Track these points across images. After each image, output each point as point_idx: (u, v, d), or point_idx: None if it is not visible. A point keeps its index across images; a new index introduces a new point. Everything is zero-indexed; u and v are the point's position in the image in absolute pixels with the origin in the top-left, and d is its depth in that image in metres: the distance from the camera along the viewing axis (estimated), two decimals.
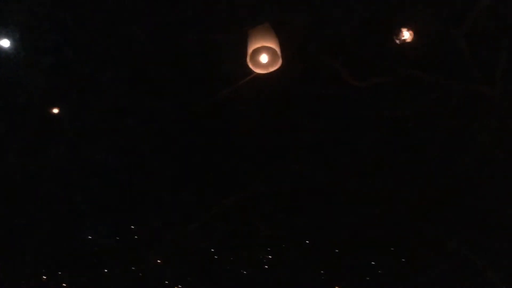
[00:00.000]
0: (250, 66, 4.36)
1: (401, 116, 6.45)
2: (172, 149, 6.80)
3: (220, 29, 5.33)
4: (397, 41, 5.31)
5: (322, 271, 7.84)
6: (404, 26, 5.29)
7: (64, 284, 7.08)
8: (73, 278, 7.08)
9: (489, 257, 7.03)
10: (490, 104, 6.47)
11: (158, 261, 6.90)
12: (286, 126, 6.71)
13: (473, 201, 7.21)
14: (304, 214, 7.39)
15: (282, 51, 4.39)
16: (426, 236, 7.52)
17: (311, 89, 6.33)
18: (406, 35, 5.28)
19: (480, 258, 7.07)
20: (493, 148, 6.85)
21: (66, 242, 6.86)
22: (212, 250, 7.35)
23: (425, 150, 7.00)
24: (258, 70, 4.46)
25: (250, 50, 4.25)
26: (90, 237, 6.78)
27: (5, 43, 5.03)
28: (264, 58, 4.37)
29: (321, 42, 5.88)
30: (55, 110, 6.05)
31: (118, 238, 6.97)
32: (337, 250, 7.56)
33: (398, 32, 5.28)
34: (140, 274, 6.97)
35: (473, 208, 7.23)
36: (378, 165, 6.96)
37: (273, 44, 4.29)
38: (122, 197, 6.83)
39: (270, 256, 7.73)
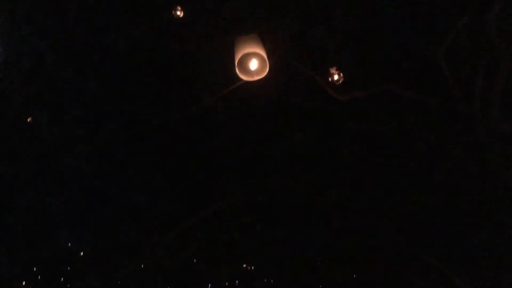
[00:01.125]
0: (238, 72, 4.42)
1: (380, 130, 6.59)
2: (152, 157, 6.81)
3: (206, 37, 5.41)
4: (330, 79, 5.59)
5: (300, 282, 7.89)
6: (332, 67, 5.57)
7: None
8: (49, 286, 6.99)
9: (467, 273, 7.17)
10: (468, 121, 6.67)
11: (136, 269, 6.87)
12: (267, 136, 6.78)
13: (450, 215, 7.37)
14: (283, 226, 7.43)
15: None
16: (404, 249, 7.65)
17: (293, 100, 6.44)
18: (336, 77, 5.56)
19: (457, 274, 7.21)
20: (469, 165, 7.05)
21: (42, 250, 6.78)
22: (190, 259, 7.35)
23: (403, 164, 7.15)
24: (245, 77, 4.52)
25: (238, 56, 4.31)
26: (66, 244, 6.70)
27: None
28: (253, 64, 4.43)
29: (304, 54, 6.01)
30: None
31: (94, 246, 6.90)
32: (316, 262, 7.63)
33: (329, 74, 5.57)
34: (118, 282, 6.92)
35: (450, 222, 7.39)
36: (357, 178, 7.08)
37: (261, 51, 4.36)
38: (99, 204, 6.78)
39: (249, 267, 7.76)
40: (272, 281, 8.00)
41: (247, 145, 6.75)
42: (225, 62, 5.75)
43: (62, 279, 6.94)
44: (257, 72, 4.52)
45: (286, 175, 7.05)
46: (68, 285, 7.06)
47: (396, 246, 7.56)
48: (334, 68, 5.56)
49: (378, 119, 6.70)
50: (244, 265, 7.74)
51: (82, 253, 6.88)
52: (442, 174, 7.15)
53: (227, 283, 7.82)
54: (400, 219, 7.38)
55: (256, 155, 6.85)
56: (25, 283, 7.00)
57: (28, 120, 5.90)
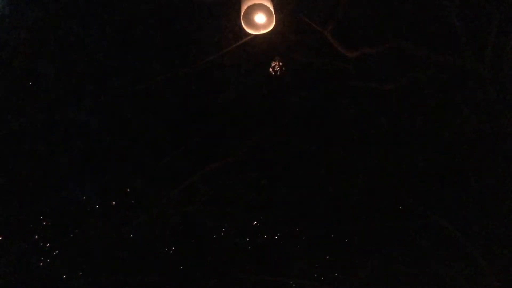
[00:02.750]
0: (243, 25, 4.40)
1: (389, 88, 6.63)
2: (158, 112, 6.91)
3: None
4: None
5: (304, 238, 8.13)
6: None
7: (48, 244, 7.28)
8: (55, 238, 7.27)
9: (471, 234, 7.35)
10: (478, 79, 6.70)
11: (142, 222, 7.13)
12: (273, 93, 6.85)
13: (457, 175, 7.49)
14: (288, 182, 7.60)
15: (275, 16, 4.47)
16: (408, 208, 7.82)
17: (300, 57, 6.47)
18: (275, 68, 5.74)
19: (462, 233, 7.39)
20: (478, 123, 7.12)
21: (48, 202, 7.02)
22: (196, 214, 7.58)
23: (411, 122, 7.22)
24: (251, 31, 4.49)
25: (244, 7, 4.27)
26: (73, 197, 6.93)
27: None
28: (260, 17, 4.39)
29: (313, 10, 5.99)
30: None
31: (101, 199, 7.13)
32: (320, 219, 7.83)
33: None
34: (124, 236, 7.19)
35: (458, 182, 7.52)
36: (363, 136, 7.17)
37: (268, 4, 4.32)
38: (105, 159, 6.96)
39: (254, 222, 7.98)
40: (276, 236, 8.24)
41: (253, 101, 6.84)
42: (231, 15, 5.78)
43: (70, 231, 7.23)
44: (263, 25, 4.48)
45: (292, 132, 7.16)
46: (76, 237, 7.36)
47: (401, 203, 7.75)
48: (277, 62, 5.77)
49: (387, 76, 6.74)
50: (249, 220, 7.96)
51: (89, 206, 7.11)
52: (450, 133, 7.25)
53: (231, 238, 8.08)
54: (407, 177, 7.53)
55: (261, 112, 6.94)
56: (34, 235, 7.30)
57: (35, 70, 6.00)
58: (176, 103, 6.78)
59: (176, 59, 6.41)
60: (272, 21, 4.41)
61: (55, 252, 7.40)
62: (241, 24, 4.38)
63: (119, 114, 6.68)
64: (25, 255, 7.28)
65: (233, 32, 6.01)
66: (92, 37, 6.08)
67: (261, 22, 4.44)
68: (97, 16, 5.82)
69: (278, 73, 6.12)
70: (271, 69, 6.14)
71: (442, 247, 7.56)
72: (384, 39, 6.19)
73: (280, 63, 6.11)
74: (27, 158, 6.60)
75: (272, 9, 4.37)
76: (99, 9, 5.92)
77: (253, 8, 4.39)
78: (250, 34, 5.03)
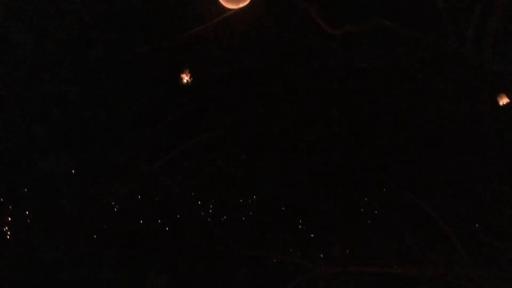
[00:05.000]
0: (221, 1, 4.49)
1: (371, 67, 6.83)
2: (138, 85, 7.00)
3: None
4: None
5: (283, 213, 8.39)
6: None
7: (26, 212, 7.39)
8: (32, 209, 7.37)
9: (445, 212, 7.70)
10: (461, 60, 6.93)
11: (122, 195, 7.28)
12: (256, 69, 6.98)
13: (438, 154, 7.80)
14: (269, 158, 7.81)
15: None
16: (387, 186, 8.13)
17: (284, 32, 6.59)
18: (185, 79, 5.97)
19: (437, 211, 7.73)
20: (458, 101, 7.39)
21: (26, 173, 7.10)
22: (176, 188, 7.75)
23: (393, 101, 7.46)
24: (229, 5, 4.58)
25: None
26: (52, 168, 7.00)
27: None
28: None
29: None
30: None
31: (79, 171, 7.24)
32: (299, 194, 8.09)
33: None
34: (101, 208, 7.33)
35: (438, 161, 7.83)
36: (346, 114, 7.39)
37: None
38: (85, 131, 7.05)
39: (234, 197, 8.19)
40: (256, 211, 8.49)
41: (236, 77, 6.97)
42: None
43: (47, 202, 7.34)
44: None
45: (275, 108, 7.33)
46: (53, 209, 7.47)
47: (381, 182, 8.05)
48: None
49: (370, 55, 6.92)
50: (229, 195, 8.18)
51: (68, 178, 7.21)
52: (431, 112, 7.52)
53: (211, 211, 8.30)
54: (387, 155, 7.81)
55: (245, 87, 7.08)
56: (12, 207, 7.39)
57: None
58: (158, 77, 6.88)
59: (159, 32, 6.47)
60: None
61: (31, 223, 7.53)
62: None
63: (100, 86, 6.75)
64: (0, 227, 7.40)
65: (217, 5, 6.09)
66: (72, 6, 6.09)
67: None
68: None
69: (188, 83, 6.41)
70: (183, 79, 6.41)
71: (416, 224, 7.93)
72: (368, 17, 6.35)
73: (189, 75, 6.39)
74: (4, 129, 6.65)
75: None
76: None
77: None
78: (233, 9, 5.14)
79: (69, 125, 6.88)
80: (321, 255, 8.49)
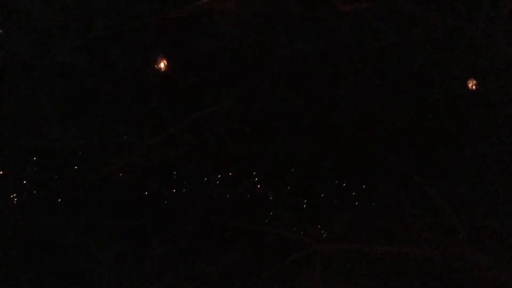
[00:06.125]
0: None
1: (381, 46, 6.79)
2: (144, 56, 6.98)
3: None
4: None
5: (286, 189, 8.45)
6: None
7: (25, 182, 7.47)
8: (36, 178, 7.45)
9: (448, 194, 7.77)
10: (470, 40, 6.90)
11: (125, 167, 7.34)
12: (263, 43, 6.95)
13: (442, 135, 7.82)
14: (273, 133, 7.83)
15: None
16: (392, 167, 8.18)
17: (292, 8, 6.55)
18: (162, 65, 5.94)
19: (439, 193, 7.80)
20: (467, 86, 7.38)
21: (29, 141, 7.14)
22: (178, 161, 7.81)
23: (401, 81, 7.44)
24: None
25: None
26: (55, 138, 7.04)
27: None
28: None
29: None
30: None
31: (83, 140, 7.27)
32: (302, 170, 8.15)
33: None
34: (105, 178, 7.40)
35: (442, 142, 7.86)
36: (353, 92, 7.38)
37: None
38: (89, 101, 7.06)
39: (236, 172, 8.23)
40: (259, 185, 8.55)
41: (242, 51, 6.94)
42: None
43: (51, 172, 7.41)
44: None
45: (280, 84, 7.32)
46: (56, 179, 7.56)
47: (384, 162, 8.09)
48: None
49: (381, 34, 6.89)
50: (231, 170, 8.23)
51: (71, 148, 7.26)
52: (439, 93, 7.52)
53: (215, 186, 8.37)
54: (391, 136, 7.84)
55: (251, 61, 7.06)
56: (14, 177, 7.46)
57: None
58: (163, 48, 6.86)
59: (166, 2, 6.43)
60: None
61: (35, 191, 7.62)
62: None
63: (105, 55, 6.74)
64: (4, 194, 7.49)
65: None
66: None
67: None
68: None
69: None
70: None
71: (417, 204, 8.01)
72: None
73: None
74: (8, 96, 6.68)
75: None
76: None
77: None
78: None
79: (74, 95, 6.88)
80: (323, 234, 8.59)
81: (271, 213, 8.48)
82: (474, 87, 7.04)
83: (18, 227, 7.77)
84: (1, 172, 7.37)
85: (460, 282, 7.61)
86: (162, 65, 6.77)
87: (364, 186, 8.37)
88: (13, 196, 7.55)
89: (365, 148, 7.89)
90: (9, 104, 6.74)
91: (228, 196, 8.35)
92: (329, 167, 8.18)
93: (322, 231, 8.68)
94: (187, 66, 7.02)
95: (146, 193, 7.98)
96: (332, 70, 7.12)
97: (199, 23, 6.62)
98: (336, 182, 8.15)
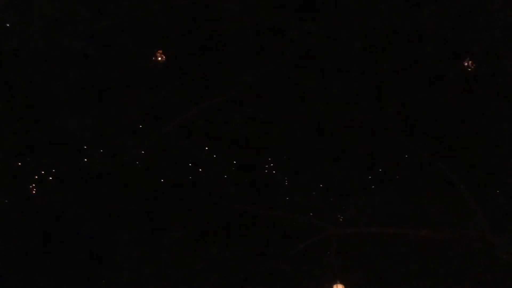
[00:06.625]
0: None
1: (394, 25, 6.70)
2: (155, 43, 6.98)
3: None
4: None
5: (298, 173, 8.45)
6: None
7: (42, 172, 7.59)
8: (52, 167, 7.56)
9: (464, 175, 7.70)
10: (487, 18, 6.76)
11: (139, 153, 7.41)
12: (273, 26, 6.88)
13: (459, 116, 7.74)
14: (285, 118, 7.81)
15: None
16: (406, 149, 8.12)
17: None
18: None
19: (455, 174, 7.73)
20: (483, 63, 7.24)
21: (44, 130, 7.22)
22: (192, 147, 7.84)
23: (415, 60, 7.32)
24: None
25: None
26: (70, 125, 7.10)
27: None
28: None
29: None
30: None
31: (98, 128, 7.33)
32: (314, 154, 8.13)
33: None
34: (120, 163, 7.47)
35: (459, 124, 7.79)
36: (366, 72, 7.30)
37: None
38: (102, 88, 7.10)
39: (249, 157, 8.24)
40: (272, 172, 8.58)
41: (254, 35, 6.89)
42: None
43: (68, 162, 7.52)
44: None
45: (292, 68, 7.26)
46: (73, 166, 7.66)
47: (399, 144, 8.03)
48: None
49: (394, 12, 6.77)
50: (244, 155, 8.23)
51: (87, 138, 7.33)
52: (454, 73, 7.40)
53: (230, 172, 8.42)
54: (406, 117, 7.77)
55: (261, 46, 7.01)
56: (28, 162, 7.58)
57: None
58: (174, 36, 6.85)
59: None
60: None
61: (51, 179, 7.74)
62: None
63: (116, 43, 6.75)
64: (22, 183, 7.62)
65: None
66: None
67: None
68: None
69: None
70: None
71: (434, 187, 7.96)
72: None
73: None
74: (23, 85, 6.75)
75: None
76: None
77: None
78: None
79: (87, 83, 6.93)
80: (340, 218, 8.61)
81: (287, 198, 8.54)
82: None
83: (37, 217, 7.94)
84: (20, 164, 7.51)
85: (479, 264, 7.60)
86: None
87: (380, 170, 8.34)
88: (32, 186, 7.70)
89: (381, 131, 7.84)
90: (23, 95, 6.81)
91: (241, 181, 8.40)
92: (345, 151, 8.14)
93: (339, 215, 8.70)
94: (197, 52, 7.00)
95: (160, 179, 8.07)
96: (346, 52, 7.02)
97: (208, 9, 6.58)
98: (349, 165, 8.12)
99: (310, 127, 7.90)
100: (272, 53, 7.06)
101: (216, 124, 7.67)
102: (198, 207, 8.33)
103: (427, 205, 8.05)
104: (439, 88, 7.51)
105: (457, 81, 7.36)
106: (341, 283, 7.47)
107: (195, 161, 8.22)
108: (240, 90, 7.31)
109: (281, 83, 7.35)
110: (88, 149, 7.48)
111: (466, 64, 7.00)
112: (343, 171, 8.33)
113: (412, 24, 6.71)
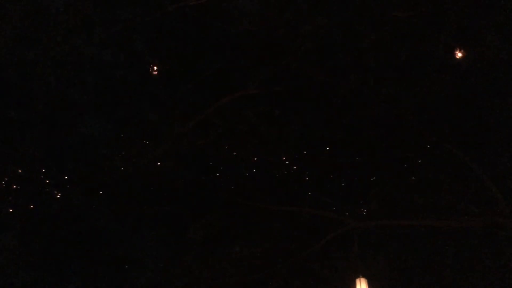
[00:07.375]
0: None
1: (407, 16, 6.67)
2: (169, 44, 7.08)
3: None
4: None
5: (316, 169, 8.45)
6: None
7: (65, 177, 7.74)
8: (72, 171, 7.70)
9: (485, 163, 7.62)
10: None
11: (157, 155, 7.50)
12: (286, 23, 6.91)
13: (481, 106, 7.65)
14: (302, 114, 7.82)
15: None
16: (427, 140, 8.06)
17: None
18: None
19: (476, 162, 7.65)
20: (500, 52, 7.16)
21: (63, 136, 7.37)
22: (209, 148, 7.90)
23: (431, 51, 7.27)
24: None
25: None
26: (88, 131, 7.26)
27: None
28: None
29: None
30: None
31: (115, 132, 7.45)
32: (333, 150, 8.11)
33: None
34: (139, 167, 7.56)
35: (473, 111, 7.71)
36: (379, 65, 7.27)
37: None
38: (118, 92, 7.22)
39: (266, 154, 8.26)
40: (292, 168, 8.59)
41: (266, 32, 6.92)
42: None
43: (86, 164, 7.65)
44: None
45: (307, 62, 7.27)
46: (90, 169, 7.78)
47: (421, 135, 7.98)
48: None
49: (406, 3, 6.75)
50: (262, 153, 8.25)
51: (106, 140, 7.45)
52: (469, 61, 7.33)
53: (245, 169, 8.45)
54: (422, 107, 7.71)
55: (275, 42, 7.04)
56: (50, 170, 7.74)
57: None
58: (188, 35, 6.93)
59: None
60: None
61: (70, 184, 7.89)
62: None
63: (130, 46, 6.87)
64: (43, 188, 7.78)
65: None
66: None
67: None
68: None
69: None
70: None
71: (455, 177, 7.87)
72: None
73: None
74: (40, 92, 6.90)
75: None
76: None
77: None
78: None
79: (103, 87, 7.05)
80: (363, 211, 8.58)
81: (309, 193, 8.53)
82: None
83: (61, 221, 8.10)
84: (43, 169, 7.67)
85: (501, 252, 7.50)
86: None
87: (397, 162, 8.28)
88: (56, 191, 7.86)
89: (399, 122, 7.79)
90: (43, 103, 6.97)
91: (259, 178, 8.43)
92: (363, 144, 8.12)
93: (361, 208, 8.67)
94: (211, 52, 7.07)
95: (179, 180, 8.14)
96: (360, 43, 7.01)
97: (220, 8, 6.64)
98: (368, 159, 8.08)
99: (327, 121, 7.89)
100: (286, 49, 7.07)
101: (232, 123, 7.72)
102: (218, 206, 8.38)
103: (449, 195, 7.97)
104: (458, 77, 7.45)
105: (477, 68, 7.29)
106: (363, 277, 7.42)
107: (213, 160, 8.28)
108: (254, 87, 7.34)
109: (295, 78, 7.35)
110: (108, 153, 7.59)
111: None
112: (363, 164, 8.29)
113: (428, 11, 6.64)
